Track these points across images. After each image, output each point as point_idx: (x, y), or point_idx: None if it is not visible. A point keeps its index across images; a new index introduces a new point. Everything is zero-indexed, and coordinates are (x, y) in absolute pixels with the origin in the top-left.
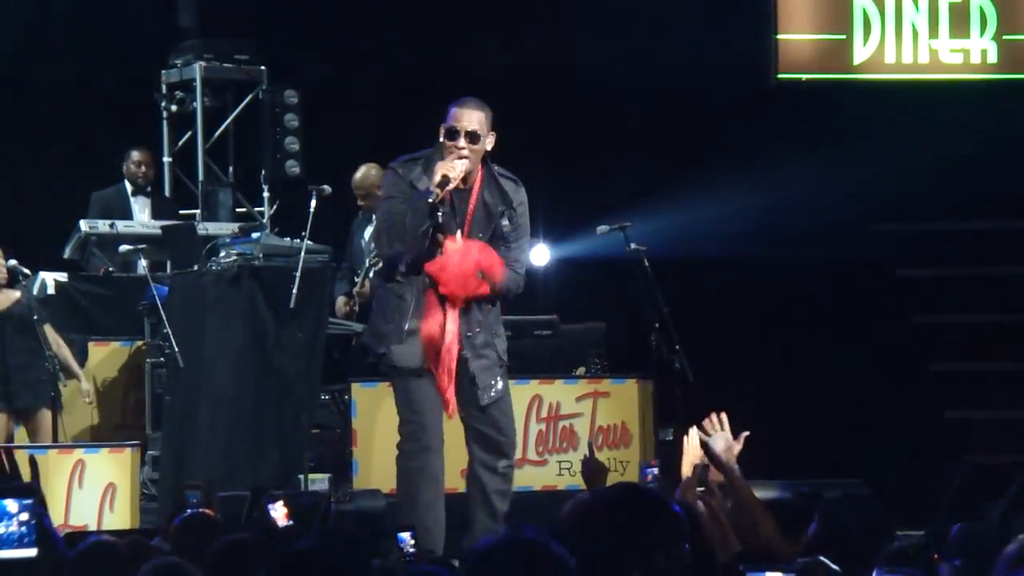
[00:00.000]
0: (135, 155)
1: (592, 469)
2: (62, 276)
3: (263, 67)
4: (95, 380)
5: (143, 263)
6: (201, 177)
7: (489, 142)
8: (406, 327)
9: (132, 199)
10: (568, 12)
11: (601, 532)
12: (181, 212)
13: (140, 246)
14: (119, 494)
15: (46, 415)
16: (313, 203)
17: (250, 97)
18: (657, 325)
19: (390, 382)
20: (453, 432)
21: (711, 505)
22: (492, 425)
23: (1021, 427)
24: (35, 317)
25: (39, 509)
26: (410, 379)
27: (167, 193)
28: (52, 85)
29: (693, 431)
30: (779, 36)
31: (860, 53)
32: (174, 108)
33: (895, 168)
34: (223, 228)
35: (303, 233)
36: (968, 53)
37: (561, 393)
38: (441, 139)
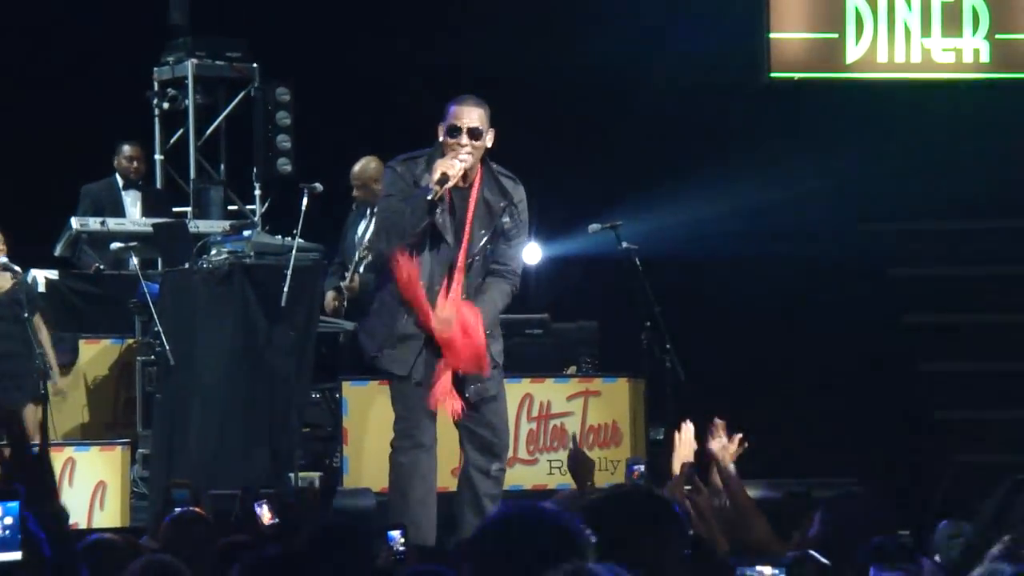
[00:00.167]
0: (126, 149)
1: (578, 462)
2: (53, 274)
3: (255, 65)
4: (85, 378)
5: (134, 261)
6: (193, 175)
7: (489, 139)
8: (400, 331)
9: (123, 193)
10: (561, 9)
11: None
12: (174, 210)
13: (131, 244)
14: (109, 492)
15: (32, 411)
16: (305, 201)
17: (242, 95)
18: (648, 324)
19: (384, 379)
20: (445, 432)
21: (698, 504)
22: (486, 426)
23: (1011, 427)
24: (25, 314)
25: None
26: (400, 381)
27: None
28: (43, 81)
29: (686, 426)
30: (772, 35)
31: (853, 52)
32: (166, 106)
33: (887, 167)
34: (214, 226)
35: (294, 231)
36: (960, 52)
37: (552, 392)
38: (441, 137)
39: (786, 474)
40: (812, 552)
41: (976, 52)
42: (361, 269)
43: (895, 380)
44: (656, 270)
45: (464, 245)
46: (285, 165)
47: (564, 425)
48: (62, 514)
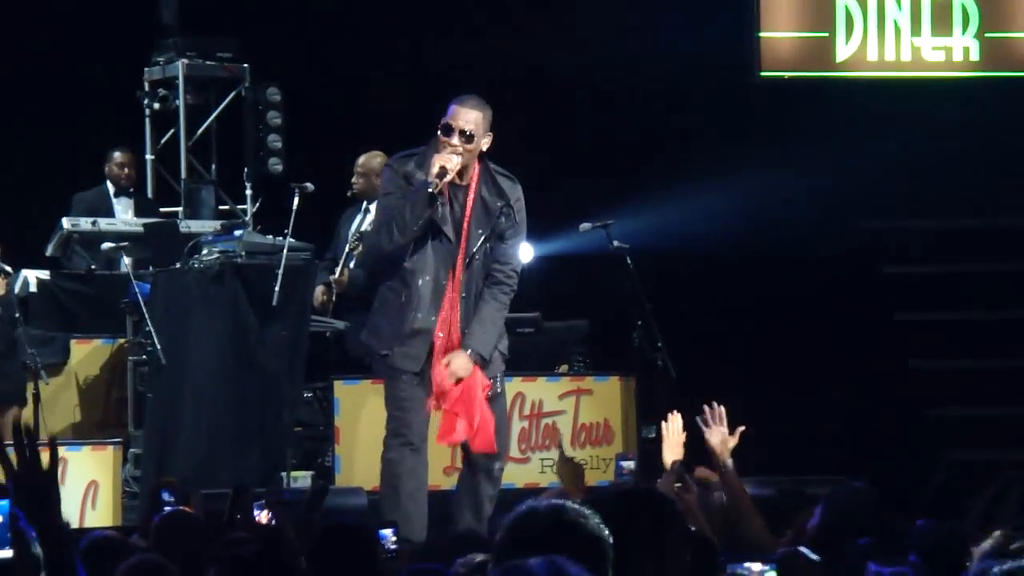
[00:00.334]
0: (117, 156)
1: (566, 468)
2: (44, 274)
3: (246, 65)
4: (77, 378)
5: (126, 261)
6: (184, 175)
7: (485, 143)
8: (408, 328)
9: (115, 200)
10: (551, 9)
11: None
12: (163, 209)
13: (122, 244)
14: (101, 492)
15: (15, 413)
16: (296, 201)
17: (233, 95)
18: (640, 323)
19: (376, 379)
20: (434, 430)
21: (687, 501)
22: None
23: (1002, 424)
24: (16, 315)
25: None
26: (400, 380)
27: (149, 190)
28: (33, 81)
29: (673, 417)
30: (762, 34)
31: (843, 51)
32: (156, 106)
33: (877, 165)
34: (206, 226)
35: (285, 231)
36: (950, 51)
37: (544, 391)
38: (439, 135)
39: (777, 471)
40: (802, 549)
41: (966, 51)
42: (351, 264)
43: (886, 377)
44: (647, 269)
45: (463, 244)
46: (276, 165)
47: (556, 424)
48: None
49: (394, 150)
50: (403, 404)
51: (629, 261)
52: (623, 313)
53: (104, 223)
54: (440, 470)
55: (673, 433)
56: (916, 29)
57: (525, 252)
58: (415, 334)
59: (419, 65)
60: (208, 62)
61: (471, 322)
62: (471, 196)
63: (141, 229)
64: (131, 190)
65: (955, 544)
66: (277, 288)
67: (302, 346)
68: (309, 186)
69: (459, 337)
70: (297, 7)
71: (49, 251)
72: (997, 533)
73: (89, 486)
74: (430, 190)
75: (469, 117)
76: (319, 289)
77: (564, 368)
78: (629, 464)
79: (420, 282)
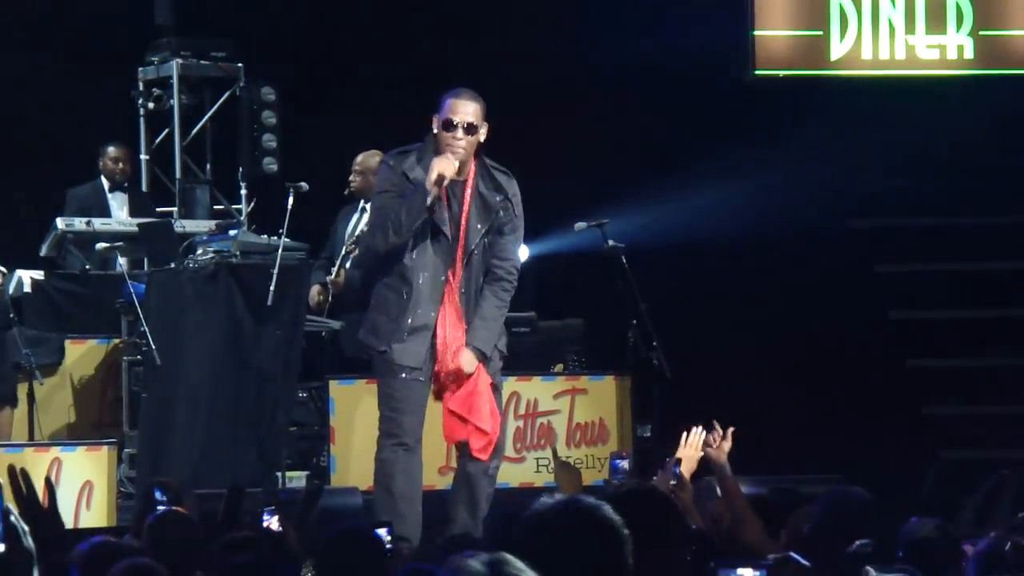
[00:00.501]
0: (111, 151)
1: (562, 473)
2: (39, 274)
3: (240, 64)
4: (72, 378)
5: (120, 261)
6: (178, 175)
7: (483, 133)
8: (408, 324)
9: (109, 195)
10: (546, 8)
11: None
12: (158, 209)
13: (117, 244)
14: (96, 492)
15: (7, 413)
16: (290, 200)
17: (227, 94)
18: (635, 322)
19: (372, 378)
20: (431, 429)
21: (682, 500)
22: None
23: (997, 423)
24: (11, 315)
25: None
26: (398, 378)
27: (144, 190)
28: (28, 81)
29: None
30: (756, 32)
31: (837, 49)
32: (151, 105)
33: (872, 164)
34: (200, 226)
35: (280, 231)
36: (944, 49)
37: (539, 390)
38: (435, 130)
39: (771, 470)
40: (793, 554)
41: (960, 49)
42: (347, 264)
43: (881, 376)
44: (642, 268)
45: (461, 240)
46: (271, 164)
47: (551, 423)
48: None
49: (389, 149)
50: (397, 405)
51: (624, 260)
52: (618, 312)
53: (99, 223)
54: (435, 470)
55: (691, 447)
56: (910, 27)
57: (521, 252)
58: (415, 331)
59: (415, 64)
60: (202, 62)
61: (472, 318)
62: (468, 191)
63: (136, 229)
64: (125, 185)
65: (945, 543)
66: (272, 288)
67: (297, 346)
68: (304, 186)
69: (462, 333)
70: (291, 6)
71: (43, 251)
72: (992, 534)
73: (84, 486)
74: (428, 199)
75: (468, 109)
76: (315, 289)
77: (559, 367)
78: (624, 464)
79: (420, 279)
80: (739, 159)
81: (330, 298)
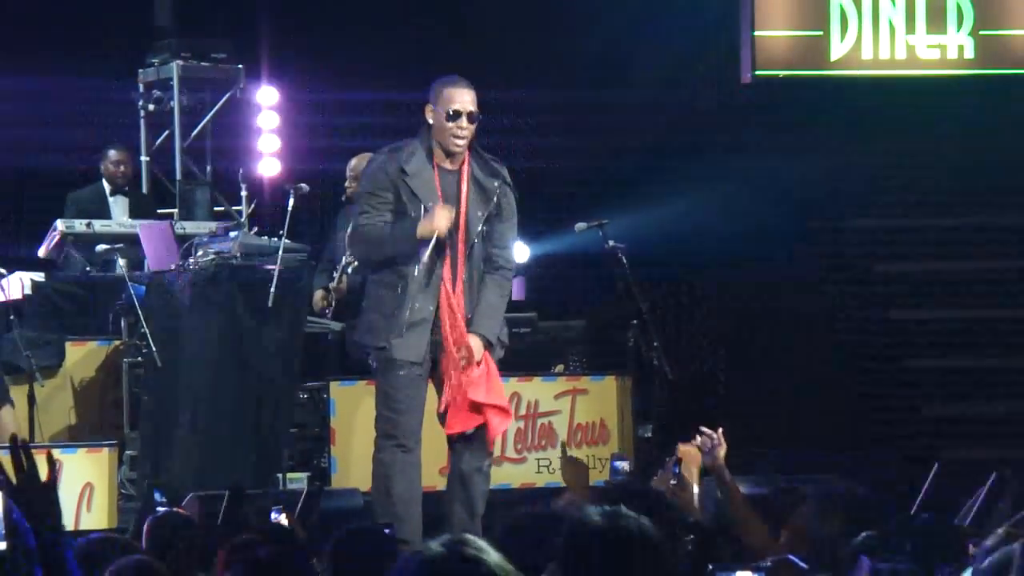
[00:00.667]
0: (112, 154)
1: (571, 470)
2: (39, 276)
3: (240, 66)
4: (72, 380)
5: (120, 262)
6: (179, 176)
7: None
8: (405, 319)
9: (111, 199)
10: (547, 7)
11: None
12: (159, 211)
13: (117, 245)
14: (96, 494)
15: (6, 411)
16: (291, 202)
17: (228, 96)
18: (635, 322)
19: (373, 379)
20: (430, 430)
21: (682, 498)
22: None
23: (997, 422)
24: (12, 317)
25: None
26: (397, 375)
27: (144, 191)
28: (28, 82)
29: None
30: (756, 33)
31: (837, 49)
32: (151, 107)
33: (872, 164)
34: (201, 227)
35: (281, 232)
36: (945, 49)
37: (540, 391)
38: (432, 120)
39: (771, 470)
40: (791, 557)
41: (960, 48)
42: (349, 271)
43: (881, 376)
44: (643, 268)
45: (462, 230)
46: (271, 166)
47: (552, 424)
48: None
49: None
50: (395, 405)
51: (624, 260)
52: (619, 313)
53: (99, 225)
54: (435, 471)
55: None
56: (911, 27)
57: (521, 252)
58: (413, 325)
59: (414, 64)
60: (203, 63)
61: (475, 307)
62: (464, 180)
63: (136, 231)
64: (126, 188)
65: (951, 539)
66: (272, 289)
67: (297, 347)
68: (304, 187)
69: (465, 322)
70: (291, 8)
71: (42, 253)
72: (999, 531)
73: (84, 488)
74: (423, 258)
75: (467, 98)
76: (318, 294)
77: (560, 368)
78: (624, 464)
79: (415, 272)
80: (739, 159)
81: (333, 304)
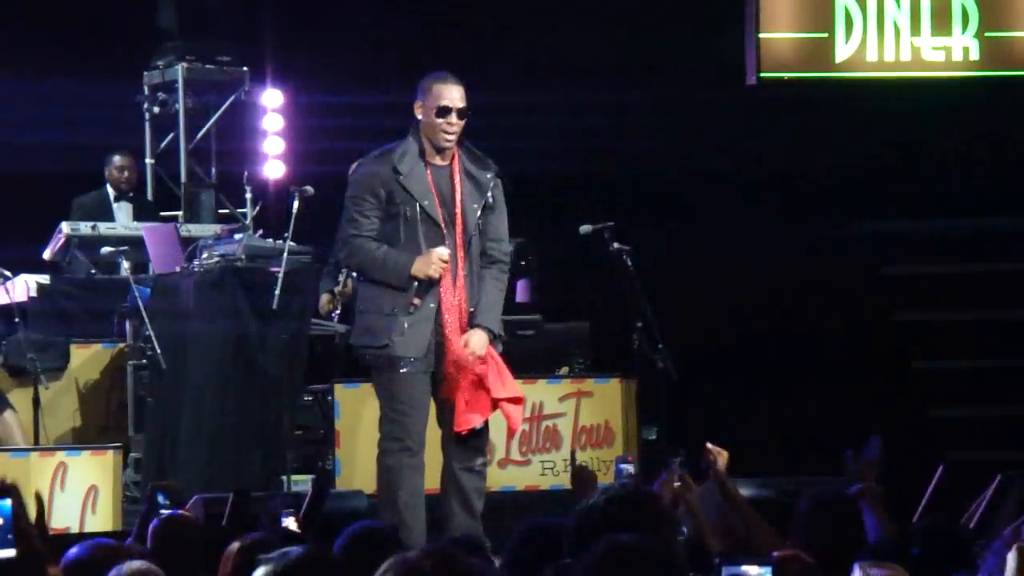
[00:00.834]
0: (117, 160)
1: (580, 479)
2: (44, 278)
3: (245, 68)
4: (77, 382)
5: (125, 265)
6: (184, 178)
7: None
8: (406, 317)
9: (115, 204)
10: (552, 9)
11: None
12: (164, 213)
13: (122, 248)
14: (101, 496)
15: (8, 415)
16: (296, 204)
17: (232, 98)
18: (640, 324)
19: (374, 381)
20: (432, 432)
21: (688, 500)
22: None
23: (1003, 424)
24: (16, 319)
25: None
26: (400, 373)
27: (149, 194)
28: (32, 85)
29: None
30: (761, 35)
31: (842, 51)
32: (156, 109)
33: (877, 166)
34: (206, 229)
35: (286, 234)
36: (950, 50)
37: (544, 393)
38: (422, 116)
39: (777, 472)
40: (799, 552)
41: (966, 50)
42: (355, 274)
43: (887, 378)
44: (647, 270)
45: (459, 225)
46: (276, 168)
47: (556, 426)
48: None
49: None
50: (400, 406)
51: (629, 263)
52: (623, 315)
53: (104, 227)
54: (439, 473)
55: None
56: (916, 29)
57: (525, 255)
58: (415, 322)
59: (419, 67)
60: (208, 66)
61: (477, 300)
62: (457, 175)
63: (141, 233)
64: (131, 194)
65: (962, 544)
66: (277, 292)
67: (302, 349)
68: (309, 190)
69: (467, 317)
70: (296, 11)
71: (47, 255)
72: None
73: (89, 491)
74: (412, 295)
75: (456, 95)
76: (324, 297)
77: (565, 370)
78: (629, 467)
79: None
80: (744, 161)
81: (339, 307)
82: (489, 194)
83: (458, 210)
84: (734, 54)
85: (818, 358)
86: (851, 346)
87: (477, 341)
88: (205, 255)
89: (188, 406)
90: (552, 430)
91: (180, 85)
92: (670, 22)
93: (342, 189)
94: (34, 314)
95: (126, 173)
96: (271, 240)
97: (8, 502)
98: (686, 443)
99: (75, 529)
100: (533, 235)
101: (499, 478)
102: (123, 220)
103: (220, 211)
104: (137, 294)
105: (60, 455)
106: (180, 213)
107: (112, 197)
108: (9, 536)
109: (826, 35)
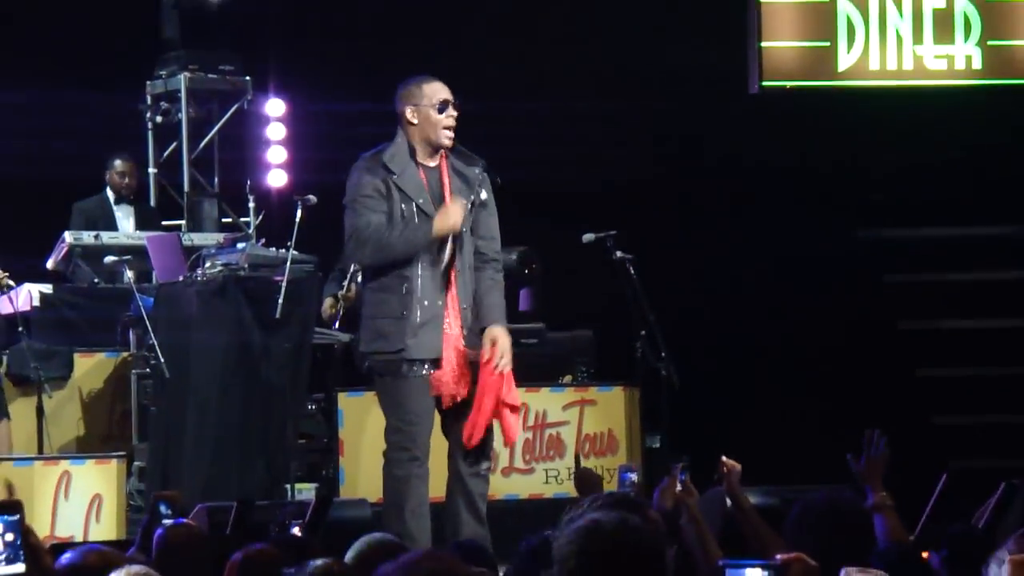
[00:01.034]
0: (118, 164)
1: (584, 480)
2: (47, 288)
3: (248, 77)
4: (80, 391)
5: (128, 274)
6: (186, 188)
7: None
8: (417, 319)
9: (115, 207)
10: (554, 18)
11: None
12: (166, 223)
13: (125, 257)
14: (105, 505)
15: (3, 425)
16: (299, 213)
17: (235, 107)
18: (643, 332)
19: (377, 390)
20: (437, 441)
21: (688, 504)
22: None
23: (1007, 432)
24: (19, 329)
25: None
26: (409, 384)
27: (152, 203)
28: (35, 94)
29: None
30: (764, 44)
31: (844, 60)
32: (159, 119)
33: (880, 174)
34: (208, 238)
35: (288, 243)
36: (952, 59)
37: (548, 401)
38: (415, 121)
39: (780, 481)
40: (802, 555)
41: (968, 59)
42: (359, 279)
43: (891, 386)
44: (650, 278)
45: None
46: (279, 177)
47: (560, 434)
48: None
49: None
50: (409, 416)
51: (632, 271)
52: (627, 323)
53: (107, 236)
54: (444, 482)
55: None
56: (918, 37)
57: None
58: (425, 323)
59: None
60: (210, 75)
61: (473, 298)
62: (446, 174)
63: (144, 242)
64: (132, 198)
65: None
66: (280, 300)
67: (305, 358)
68: (312, 198)
69: (460, 315)
70: (299, 20)
71: (50, 265)
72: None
73: (93, 500)
74: (445, 256)
75: (447, 89)
76: (328, 301)
77: (568, 379)
78: (633, 475)
79: (419, 271)
80: (746, 169)
81: (342, 311)
82: (480, 188)
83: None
84: (737, 63)
85: (821, 366)
86: (854, 354)
87: (505, 340)
88: (208, 264)
89: (192, 415)
90: (556, 438)
91: (183, 94)
92: (673, 31)
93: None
94: (37, 323)
95: (127, 179)
96: (274, 249)
97: (17, 517)
98: (690, 451)
99: (79, 538)
100: (536, 243)
101: (503, 486)
102: (125, 223)
103: (223, 220)
104: (140, 303)
105: (64, 464)
106: (183, 222)
107: (112, 200)
108: (20, 551)
109: (828, 44)
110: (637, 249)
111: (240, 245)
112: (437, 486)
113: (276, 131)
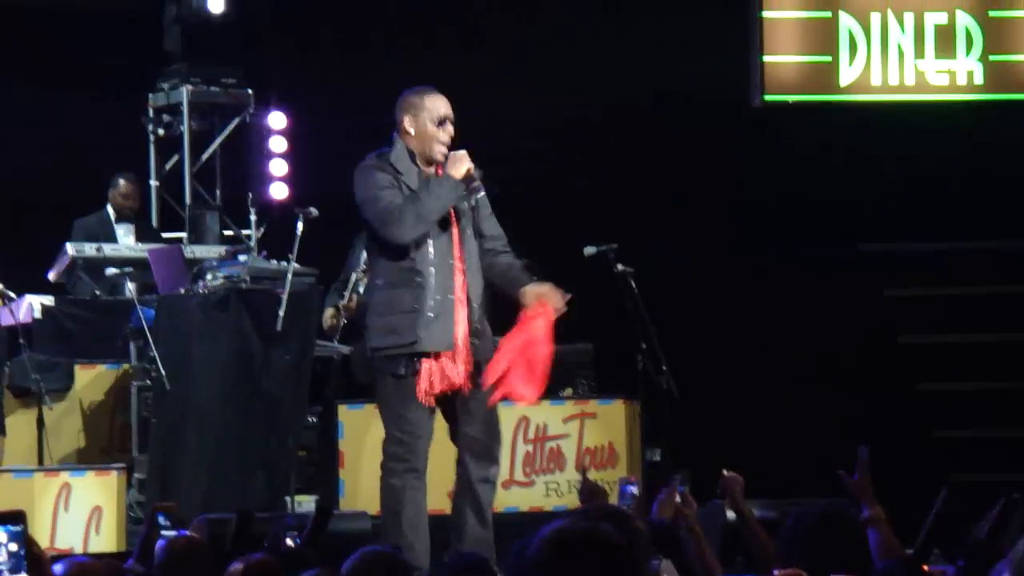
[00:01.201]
0: (122, 185)
1: (589, 494)
2: (49, 299)
3: (250, 91)
4: (81, 403)
5: (130, 286)
6: (188, 200)
7: None
8: (429, 312)
9: (116, 225)
10: (555, 33)
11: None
12: (167, 235)
13: (127, 269)
14: (105, 517)
15: None
16: (300, 226)
17: (237, 120)
18: (643, 346)
19: (379, 395)
20: (437, 453)
21: (687, 516)
22: (482, 423)
23: (1008, 446)
24: (20, 340)
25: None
26: (410, 390)
27: (154, 216)
28: (37, 107)
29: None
30: (765, 58)
31: (846, 74)
32: (161, 132)
33: (882, 188)
34: (210, 251)
35: (290, 256)
36: (954, 74)
37: (548, 414)
38: (412, 132)
39: (781, 494)
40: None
41: (970, 74)
42: (360, 290)
43: (892, 399)
44: (651, 292)
45: (454, 221)
46: (280, 190)
47: (560, 447)
48: None
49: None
50: (410, 427)
51: (633, 284)
52: (627, 336)
53: (108, 248)
54: (443, 494)
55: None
56: (920, 52)
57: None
58: (437, 316)
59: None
60: (212, 88)
61: (510, 276)
62: (441, 175)
63: (145, 255)
64: (132, 217)
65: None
66: (281, 313)
67: (306, 371)
68: (313, 211)
69: (469, 310)
70: (301, 34)
71: (52, 277)
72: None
73: (93, 511)
74: (475, 189)
75: (448, 105)
76: (329, 312)
77: (568, 392)
78: (633, 488)
79: (431, 268)
80: (748, 184)
81: (343, 322)
82: (476, 187)
83: (451, 212)
84: (739, 76)
85: (822, 379)
86: (856, 367)
87: (551, 292)
88: (209, 276)
89: (192, 427)
90: (556, 451)
91: (185, 107)
92: (674, 44)
93: (346, 210)
94: (38, 335)
95: (130, 201)
96: (275, 262)
97: (20, 528)
98: (690, 465)
99: (79, 550)
100: (536, 256)
101: (503, 499)
102: (125, 240)
103: (224, 233)
104: (142, 315)
105: (64, 476)
106: (184, 235)
107: (113, 218)
108: (23, 562)
109: (830, 58)
110: (638, 262)
111: (242, 258)
112: (438, 498)
113: (278, 144)
